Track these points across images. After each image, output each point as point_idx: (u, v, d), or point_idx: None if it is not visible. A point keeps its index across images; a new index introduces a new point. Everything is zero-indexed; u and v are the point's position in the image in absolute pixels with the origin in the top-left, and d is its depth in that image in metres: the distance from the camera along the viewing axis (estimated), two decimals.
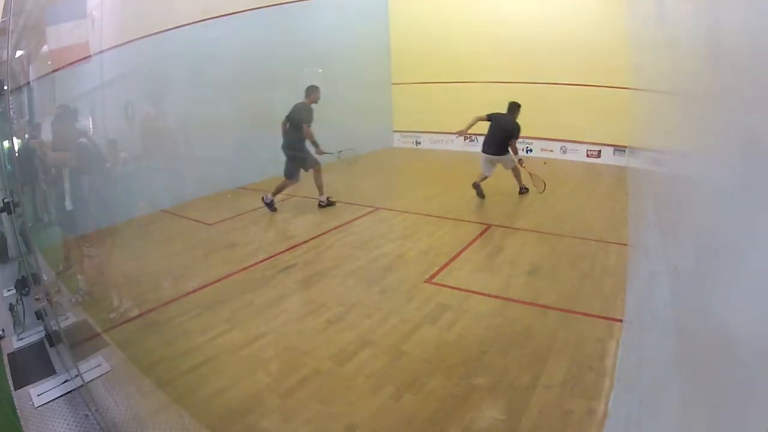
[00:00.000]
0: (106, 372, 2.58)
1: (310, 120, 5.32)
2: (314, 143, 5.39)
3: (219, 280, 3.72)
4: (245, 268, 3.96)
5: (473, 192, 5.92)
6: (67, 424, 2.21)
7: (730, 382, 0.51)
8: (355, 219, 5.20)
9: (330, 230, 4.89)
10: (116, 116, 4.76)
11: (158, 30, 5.35)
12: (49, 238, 3.94)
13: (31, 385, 2.49)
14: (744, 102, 0.53)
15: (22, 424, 2.20)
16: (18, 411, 2.30)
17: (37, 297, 2.99)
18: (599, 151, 7.76)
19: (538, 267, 3.79)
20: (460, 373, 2.44)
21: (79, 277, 3.53)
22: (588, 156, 7.86)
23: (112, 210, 4.40)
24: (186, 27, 5.66)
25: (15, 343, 2.93)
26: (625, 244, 3.73)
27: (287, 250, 4.38)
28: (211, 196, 6.18)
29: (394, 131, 9.85)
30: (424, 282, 3.56)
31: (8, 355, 2.82)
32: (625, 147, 6.77)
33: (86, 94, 4.21)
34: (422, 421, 2.12)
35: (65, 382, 2.50)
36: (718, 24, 0.67)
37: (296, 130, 5.37)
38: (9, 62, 3.37)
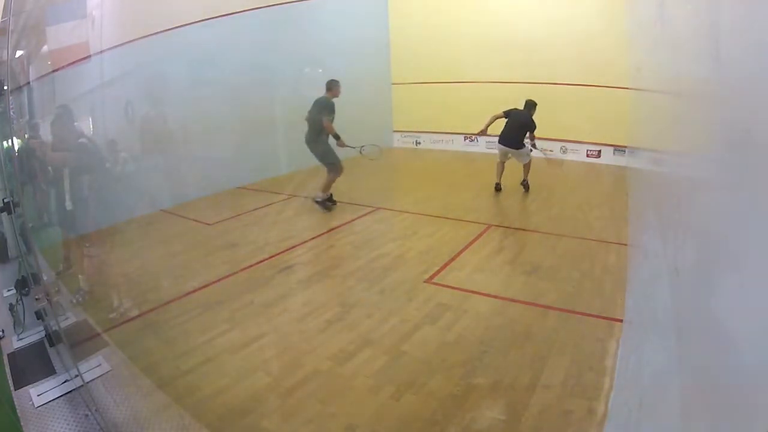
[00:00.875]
0: (106, 372, 2.58)
1: (331, 114, 5.28)
2: (335, 136, 5.33)
3: (219, 280, 3.72)
4: (245, 268, 3.96)
5: (473, 192, 5.93)
6: (67, 424, 2.21)
7: (730, 382, 0.51)
8: (355, 219, 5.20)
9: (330, 230, 4.90)
10: (116, 116, 4.76)
11: (158, 30, 5.35)
12: (49, 238, 3.94)
13: (31, 385, 2.49)
14: (744, 102, 0.53)
15: (22, 424, 2.20)
16: (18, 411, 2.30)
17: (37, 297, 2.99)
18: (599, 151, 7.76)
19: (538, 267, 3.79)
20: (460, 373, 2.44)
21: (79, 277, 3.53)
22: (588, 156, 7.86)
23: (112, 210, 4.40)
24: (186, 27, 5.66)
25: (15, 343, 2.93)
26: (625, 244, 3.73)
27: (287, 250, 4.38)
28: (211, 196, 6.18)
29: (394, 131, 9.85)
30: (424, 282, 3.56)
31: (8, 355, 2.82)
32: (625, 147, 6.77)
33: (86, 94, 4.21)
34: (422, 421, 2.12)
35: (65, 382, 2.50)
36: (718, 24, 0.67)
37: (318, 124, 5.34)
38: (9, 62, 3.37)
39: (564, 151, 7.96)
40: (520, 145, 5.93)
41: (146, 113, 5.33)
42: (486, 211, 5.49)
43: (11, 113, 3.45)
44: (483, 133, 6.11)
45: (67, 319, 3.04)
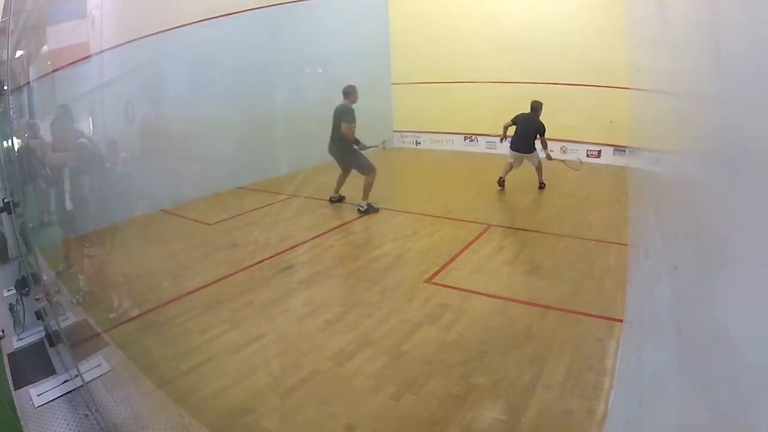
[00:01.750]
0: (106, 372, 2.58)
1: (350, 120, 5.24)
2: (355, 141, 5.30)
3: (219, 280, 3.72)
4: (245, 268, 3.96)
5: (473, 192, 5.93)
6: (67, 424, 2.21)
7: (730, 382, 0.51)
8: (355, 219, 5.20)
9: (330, 230, 4.89)
10: (116, 116, 4.76)
11: (158, 30, 5.35)
12: (49, 238, 3.94)
13: (31, 385, 2.49)
14: (744, 102, 0.53)
15: (22, 424, 2.20)
16: (18, 411, 2.30)
17: (37, 297, 2.99)
18: (599, 151, 7.76)
19: (538, 267, 3.79)
20: (460, 373, 2.44)
21: (79, 277, 3.53)
22: (588, 156, 7.86)
23: (112, 210, 4.40)
24: (186, 27, 5.66)
25: (15, 343, 2.93)
26: (625, 244, 3.72)
27: (287, 250, 4.38)
28: (211, 196, 6.18)
29: (394, 131, 9.85)
30: (424, 282, 3.56)
31: (8, 355, 2.82)
32: (625, 147, 6.77)
33: (86, 94, 4.21)
34: (422, 421, 2.12)
35: (65, 382, 2.50)
36: (718, 24, 0.67)
37: (339, 132, 5.32)
38: (9, 62, 3.37)
39: (564, 151, 7.96)
40: (531, 149, 6.00)
41: (146, 113, 5.32)
42: (486, 211, 5.49)
43: (11, 113, 3.45)
44: (503, 138, 6.23)
45: (67, 319, 3.04)
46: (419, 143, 9.74)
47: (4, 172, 3.44)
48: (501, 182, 6.11)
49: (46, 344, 2.84)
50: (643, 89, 2.40)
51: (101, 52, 4.18)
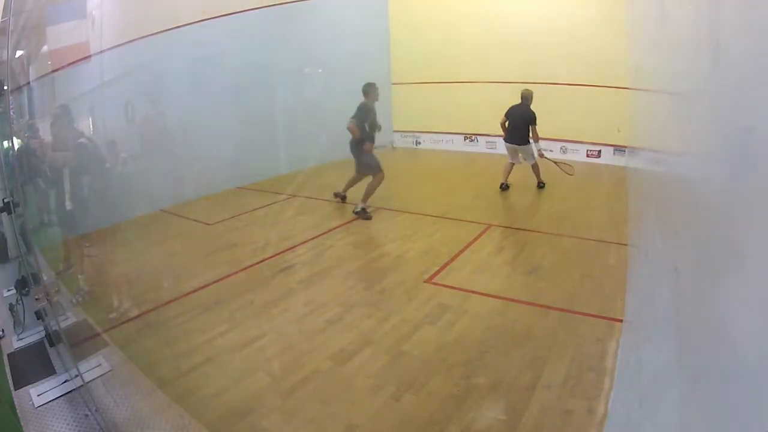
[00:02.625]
0: (106, 372, 2.58)
1: (362, 119, 5.16)
2: (360, 140, 5.20)
3: (219, 280, 3.72)
4: (245, 268, 3.96)
5: (473, 192, 5.93)
6: (67, 424, 2.21)
7: (730, 382, 0.51)
8: (355, 219, 5.19)
9: (330, 230, 4.89)
10: (116, 116, 4.76)
11: (158, 30, 5.35)
12: (49, 238, 3.94)
13: (31, 385, 2.49)
14: (744, 102, 0.53)
15: (22, 424, 2.20)
16: (18, 411, 2.30)
17: (37, 297, 2.98)
18: (599, 151, 7.76)
19: (538, 267, 3.79)
20: (460, 373, 2.44)
21: (79, 277, 3.53)
22: (588, 156, 7.86)
23: (112, 210, 4.40)
24: (186, 27, 5.66)
25: (15, 343, 2.93)
26: (625, 244, 3.73)
27: (287, 250, 4.38)
28: (211, 196, 6.18)
29: (394, 131, 9.85)
30: (424, 282, 3.56)
31: (8, 355, 2.82)
32: (625, 147, 6.77)
33: (86, 94, 4.21)
34: (422, 421, 2.12)
35: (65, 382, 2.50)
36: (718, 24, 0.67)
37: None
38: (9, 62, 3.37)
39: (564, 151, 7.96)
40: (525, 141, 5.95)
41: (146, 113, 5.32)
42: (486, 211, 5.49)
43: (11, 113, 3.45)
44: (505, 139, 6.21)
45: (67, 319, 3.04)
46: (419, 143, 9.74)
47: (4, 172, 3.44)
48: (503, 186, 6.10)
49: (46, 344, 2.84)
50: (643, 89, 2.40)
51: (101, 52, 4.19)
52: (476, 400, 2.23)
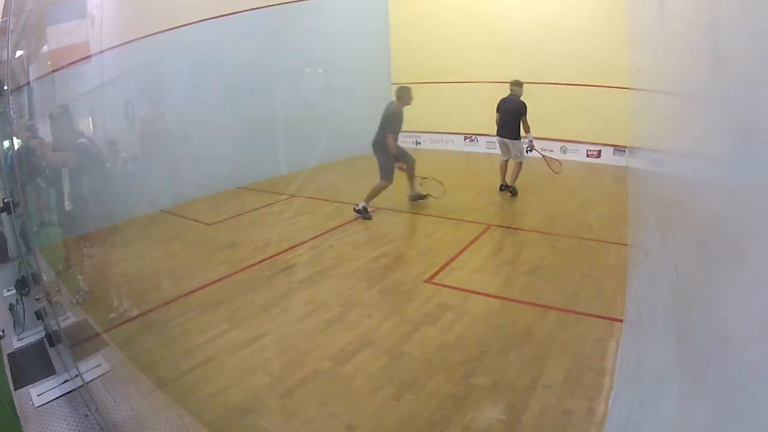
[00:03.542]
0: (106, 372, 2.58)
1: (394, 126, 5.18)
2: (394, 157, 5.21)
3: (219, 280, 3.72)
4: (245, 268, 3.96)
5: (473, 192, 5.92)
6: (67, 424, 2.21)
7: (730, 382, 0.51)
8: (355, 219, 5.19)
9: (330, 230, 4.89)
10: (116, 116, 4.76)
11: (158, 30, 5.35)
12: (49, 238, 3.94)
13: (31, 385, 2.49)
14: (744, 101, 0.53)
15: (22, 424, 2.20)
16: (18, 411, 2.30)
17: (37, 297, 2.99)
18: (599, 151, 7.76)
19: (538, 267, 3.79)
20: (460, 373, 2.44)
21: (79, 277, 3.53)
22: (588, 156, 7.86)
23: (112, 210, 4.40)
24: (186, 27, 5.66)
25: (15, 343, 2.93)
26: (625, 244, 3.73)
27: (287, 250, 4.38)
28: (211, 196, 6.18)
29: None
30: (424, 282, 3.56)
31: (8, 355, 2.82)
32: (625, 147, 6.77)
33: (86, 94, 4.21)
34: (422, 421, 2.12)
35: (65, 382, 2.50)
36: (718, 24, 0.67)
37: (382, 132, 5.25)
38: (9, 62, 3.37)
39: (564, 151, 7.96)
40: (515, 135, 5.75)
41: (146, 113, 5.32)
42: (486, 211, 5.49)
43: (11, 113, 3.45)
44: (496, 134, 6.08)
45: (67, 319, 3.04)
46: (419, 143, 9.73)
47: (4, 172, 3.44)
48: (503, 188, 6.02)
49: (46, 344, 2.84)
50: (643, 89, 2.40)
51: (101, 52, 4.19)
52: (476, 400, 2.23)
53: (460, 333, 2.83)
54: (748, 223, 0.50)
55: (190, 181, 5.93)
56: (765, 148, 0.45)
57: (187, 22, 5.68)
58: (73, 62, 3.88)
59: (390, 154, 5.23)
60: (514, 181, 5.91)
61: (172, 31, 5.45)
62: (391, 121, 5.20)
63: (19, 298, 3.13)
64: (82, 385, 2.36)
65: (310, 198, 6.05)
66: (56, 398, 2.39)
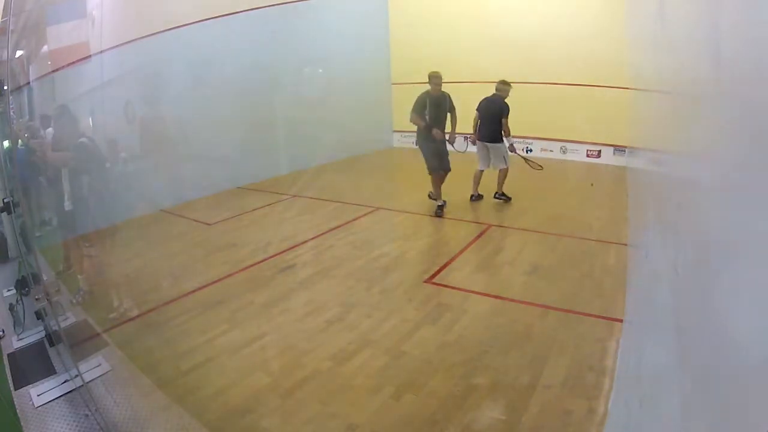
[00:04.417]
0: (106, 372, 2.58)
1: (417, 109, 5.22)
2: (427, 128, 5.21)
3: (219, 280, 3.72)
4: (245, 268, 3.96)
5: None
6: (67, 424, 2.21)
7: (731, 382, 0.51)
8: (355, 219, 5.19)
9: (330, 230, 4.89)
10: (116, 116, 4.76)
11: (158, 30, 5.35)
12: (49, 237, 3.93)
13: (31, 385, 2.49)
14: (744, 102, 0.53)
15: (22, 424, 2.20)
16: (18, 411, 2.30)
17: (37, 297, 2.99)
18: (599, 151, 7.76)
19: (538, 267, 3.79)
20: (460, 373, 2.44)
21: (79, 277, 3.53)
22: (588, 156, 7.86)
23: (112, 210, 4.40)
24: (186, 27, 5.66)
25: (15, 343, 2.93)
26: (625, 244, 3.72)
27: (287, 250, 4.38)
28: (211, 196, 6.18)
29: (394, 131, 9.84)
30: (424, 282, 3.56)
31: (8, 355, 2.82)
32: (625, 147, 6.77)
33: (86, 94, 4.21)
34: (422, 421, 2.12)
35: (65, 382, 2.50)
36: (718, 24, 0.67)
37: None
38: (9, 62, 3.37)
39: (564, 151, 7.96)
40: (496, 138, 5.38)
41: (146, 113, 5.32)
42: (486, 211, 5.49)
43: (11, 113, 3.45)
44: (474, 138, 5.76)
45: (67, 319, 3.04)
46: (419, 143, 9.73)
47: (4, 172, 3.44)
48: (475, 197, 5.68)
49: (46, 344, 2.84)
50: (643, 89, 2.40)
51: (101, 52, 4.19)
52: (476, 400, 2.23)
53: (460, 333, 2.83)
54: (748, 223, 0.50)
55: (190, 181, 5.93)
56: (765, 147, 0.45)
57: (187, 22, 5.68)
58: (73, 62, 3.89)
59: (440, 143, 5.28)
60: (502, 187, 5.63)
61: (172, 31, 5.45)
62: (417, 104, 5.26)
63: (19, 298, 3.13)
64: (82, 385, 2.36)
65: (311, 198, 6.05)
66: (56, 398, 2.39)
